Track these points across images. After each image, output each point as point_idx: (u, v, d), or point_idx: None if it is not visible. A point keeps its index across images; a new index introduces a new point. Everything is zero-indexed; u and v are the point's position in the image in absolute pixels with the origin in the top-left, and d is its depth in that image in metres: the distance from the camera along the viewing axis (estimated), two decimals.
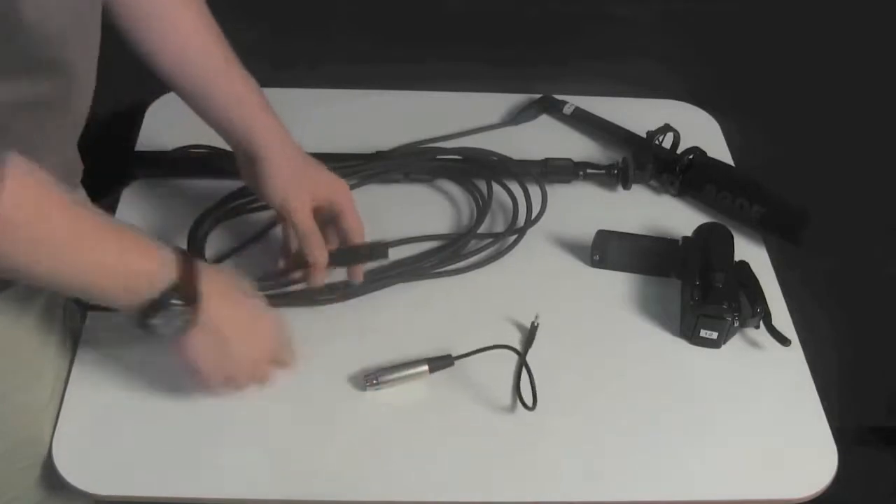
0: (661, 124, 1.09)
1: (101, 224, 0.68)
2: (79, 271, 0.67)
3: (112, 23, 0.80)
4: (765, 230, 1.04)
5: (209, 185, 1.03)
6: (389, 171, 1.06)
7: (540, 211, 1.03)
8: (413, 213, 1.04)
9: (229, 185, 0.99)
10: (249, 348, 0.80)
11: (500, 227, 1.03)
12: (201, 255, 0.95)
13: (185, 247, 0.93)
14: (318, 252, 0.87)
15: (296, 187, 0.86)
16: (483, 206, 1.04)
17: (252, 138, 0.85)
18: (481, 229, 1.02)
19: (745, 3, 1.12)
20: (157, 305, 0.71)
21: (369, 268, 0.93)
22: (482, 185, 1.07)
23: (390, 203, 1.05)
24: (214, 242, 0.99)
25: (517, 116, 1.18)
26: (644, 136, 1.10)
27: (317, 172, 0.89)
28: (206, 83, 0.84)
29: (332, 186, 0.89)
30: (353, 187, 0.97)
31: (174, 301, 0.71)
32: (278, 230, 0.96)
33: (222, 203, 0.99)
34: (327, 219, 0.90)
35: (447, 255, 0.98)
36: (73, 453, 0.81)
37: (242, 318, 0.79)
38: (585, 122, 1.17)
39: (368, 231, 0.91)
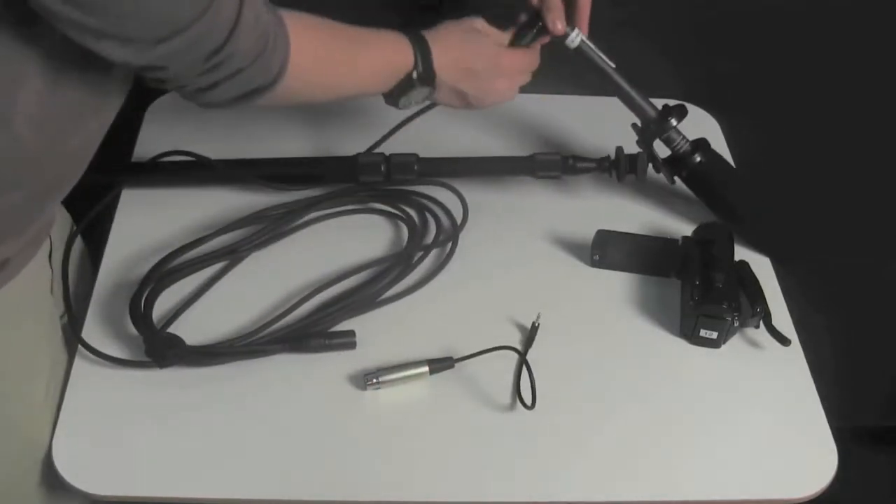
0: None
1: (362, 35, 0.84)
2: (356, 77, 0.85)
3: None
4: (755, 250, 1.03)
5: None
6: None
7: (463, 215, 1.02)
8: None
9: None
10: (493, 86, 0.93)
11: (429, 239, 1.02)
12: (150, 317, 0.89)
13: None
14: (561, 22, 0.97)
15: None
16: (420, 220, 1.03)
17: None
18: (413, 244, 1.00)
19: (745, 2, 1.13)
20: (403, 86, 0.87)
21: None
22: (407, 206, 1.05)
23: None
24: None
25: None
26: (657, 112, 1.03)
27: None
28: None
29: None
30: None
31: (415, 79, 0.87)
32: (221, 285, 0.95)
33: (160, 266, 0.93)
34: None
35: (395, 275, 0.96)
36: (73, 453, 0.81)
37: (479, 67, 0.91)
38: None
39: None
